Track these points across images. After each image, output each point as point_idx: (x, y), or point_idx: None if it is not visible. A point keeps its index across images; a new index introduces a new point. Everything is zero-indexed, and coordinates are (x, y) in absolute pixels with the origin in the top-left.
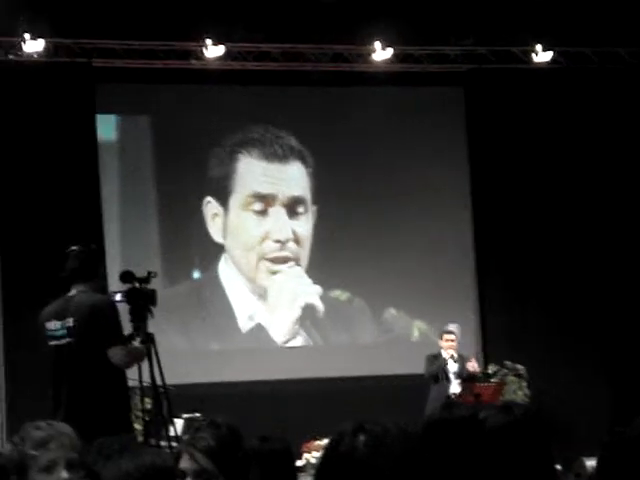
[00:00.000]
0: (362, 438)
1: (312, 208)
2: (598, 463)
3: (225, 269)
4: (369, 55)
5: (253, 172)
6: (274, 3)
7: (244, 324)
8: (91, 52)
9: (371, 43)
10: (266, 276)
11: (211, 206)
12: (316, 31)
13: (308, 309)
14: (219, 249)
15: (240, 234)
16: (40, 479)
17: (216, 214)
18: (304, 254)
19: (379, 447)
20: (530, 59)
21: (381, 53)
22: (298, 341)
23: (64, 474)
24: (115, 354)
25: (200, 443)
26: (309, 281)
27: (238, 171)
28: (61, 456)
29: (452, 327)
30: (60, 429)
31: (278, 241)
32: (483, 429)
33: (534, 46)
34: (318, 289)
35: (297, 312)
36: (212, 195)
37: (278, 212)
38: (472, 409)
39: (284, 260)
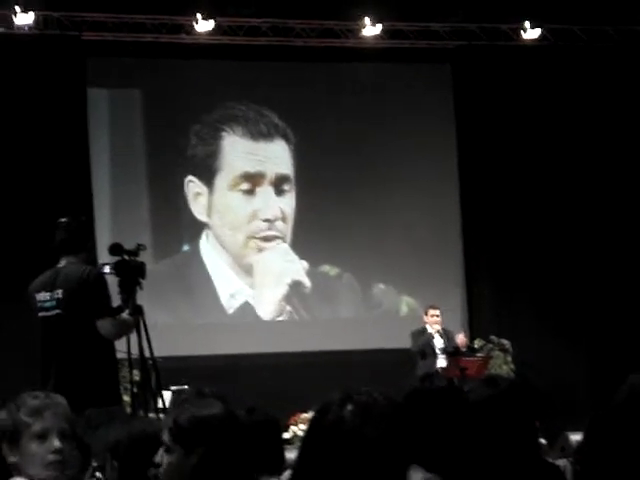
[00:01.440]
0: (349, 407)
1: (296, 185)
2: (585, 436)
3: (207, 246)
4: (359, 31)
5: (239, 151)
6: None
7: (228, 301)
8: (81, 25)
9: (361, 19)
10: (253, 253)
11: (193, 185)
12: (306, 6)
13: (295, 286)
14: (200, 226)
15: (227, 213)
16: (32, 447)
17: (199, 193)
18: (289, 231)
19: (367, 416)
20: (518, 36)
21: (370, 29)
22: (285, 317)
23: (56, 443)
24: (104, 325)
25: (185, 414)
26: (295, 257)
27: (223, 150)
28: (55, 425)
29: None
30: (55, 399)
31: (267, 220)
32: (463, 399)
33: (522, 23)
34: (305, 265)
35: (284, 289)
36: (193, 174)
37: (266, 191)
38: (460, 382)
39: (273, 238)
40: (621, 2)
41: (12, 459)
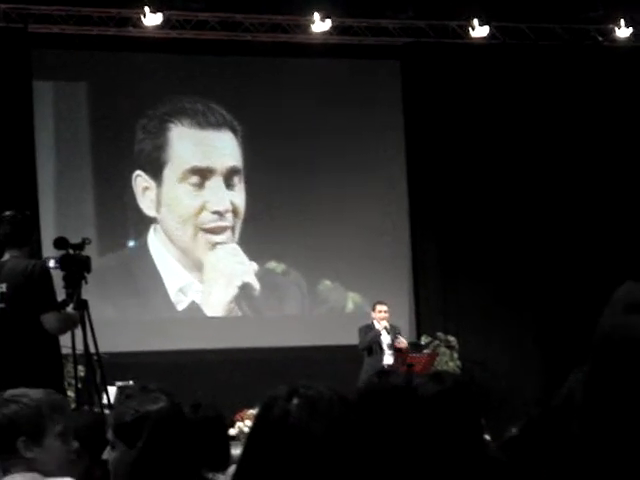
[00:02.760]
0: (296, 401)
1: (245, 178)
2: (519, 429)
3: (154, 241)
4: (308, 26)
5: (186, 142)
6: None
7: (176, 298)
8: (27, 18)
9: (310, 14)
10: (203, 250)
11: (141, 180)
12: (255, 1)
13: (244, 288)
14: (148, 221)
15: (175, 206)
16: (57, 445)
17: (147, 187)
18: (239, 225)
19: (313, 411)
20: (467, 34)
21: (320, 24)
22: (232, 313)
23: (75, 443)
24: (48, 320)
25: (145, 404)
26: (245, 259)
27: (170, 142)
28: (71, 424)
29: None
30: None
31: (216, 212)
32: (417, 398)
33: (471, 21)
34: (254, 266)
35: (234, 291)
36: (141, 168)
37: (216, 184)
38: (407, 378)
39: (222, 230)
40: (568, 1)
41: (29, 454)
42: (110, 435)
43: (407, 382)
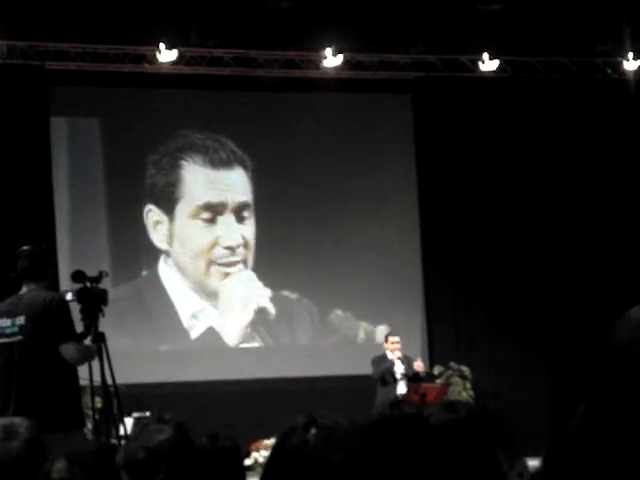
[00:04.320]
0: (314, 431)
1: (255, 211)
2: (542, 464)
3: (166, 270)
4: (320, 61)
5: (199, 180)
6: (228, 9)
7: (189, 324)
8: (44, 55)
9: (322, 50)
10: (217, 279)
11: (152, 214)
12: (268, 37)
13: (260, 312)
14: (159, 252)
15: (188, 241)
16: None
17: (159, 222)
18: (251, 257)
19: (331, 441)
20: (477, 68)
21: (332, 60)
22: (246, 344)
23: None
24: (68, 350)
25: (153, 436)
26: (260, 284)
27: (183, 179)
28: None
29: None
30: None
31: (229, 247)
32: (429, 428)
33: (481, 55)
34: (268, 292)
35: (250, 315)
36: (153, 203)
37: (227, 219)
38: (419, 408)
39: (234, 264)
40: (577, 34)
41: None
42: (124, 476)
43: (420, 412)
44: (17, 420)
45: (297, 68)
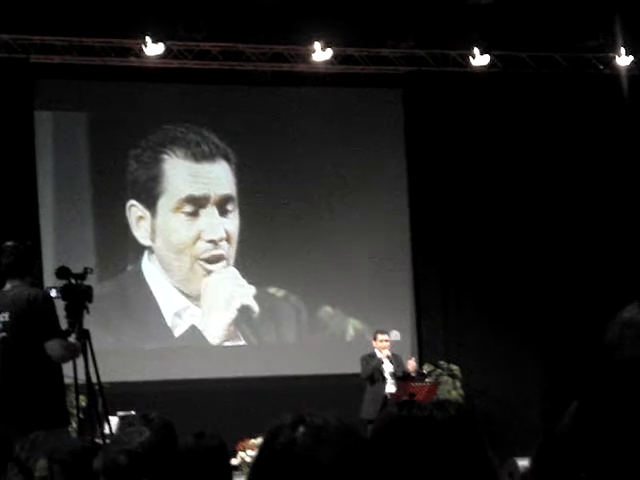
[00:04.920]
0: (302, 430)
1: (239, 205)
2: (532, 463)
3: (150, 267)
4: (309, 55)
5: (181, 173)
6: (215, 2)
7: (172, 322)
8: (29, 48)
9: (311, 43)
10: (200, 277)
11: (135, 209)
12: (257, 31)
13: (244, 310)
14: (144, 248)
15: (170, 236)
16: None
17: (141, 217)
18: (233, 252)
19: (319, 439)
20: (468, 62)
21: (321, 54)
22: (232, 341)
23: None
24: (52, 347)
25: (132, 439)
26: (244, 282)
27: (165, 173)
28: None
29: (394, 333)
30: None
31: (211, 241)
32: (438, 429)
33: (472, 50)
34: (252, 289)
35: (233, 314)
36: (135, 198)
37: (210, 212)
38: (430, 409)
39: (218, 259)
40: (568, 29)
41: None
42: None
43: (431, 414)
44: None
45: (286, 62)
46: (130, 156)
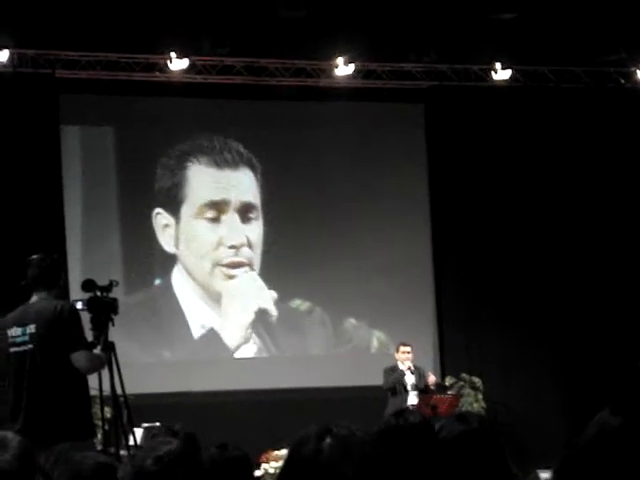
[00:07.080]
0: (328, 441)
1: (263, 214)
2: (554, 476)
3: (179, 278)
4: (332, 70)
5: (203, 179)
6: (239, 18)
7: (197, 332)
8: (55, 63)
9: (334, 59)
10: (221, 281)
11: (161, 217)
12: (280, 46)
13: (261, 313)
14: (172, 259)
15: (193, 242)
16: None
17: (167, 224)
18: (256, 259)
19: (345, 451)
20: (489, 77)
21: (343, 69)
22: (252, 349)
23: None
24: (78, 358)
25: (160, 448)
26: (264, 285)
27: (188, 179)
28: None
29: (432, 378)
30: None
31: (233, 247)
32: (435, 436)
33: (493, 64)
34: (273, 294)
35: (250, 316)
36: (161, 206)
37: (231, 218)
38: (423, 417)
39: (239, 265)
40: (589, 44)
41: None
42: None
43: (425, 421)
44: (9, 434)
45: (308, 77)
46: (157, 166)
